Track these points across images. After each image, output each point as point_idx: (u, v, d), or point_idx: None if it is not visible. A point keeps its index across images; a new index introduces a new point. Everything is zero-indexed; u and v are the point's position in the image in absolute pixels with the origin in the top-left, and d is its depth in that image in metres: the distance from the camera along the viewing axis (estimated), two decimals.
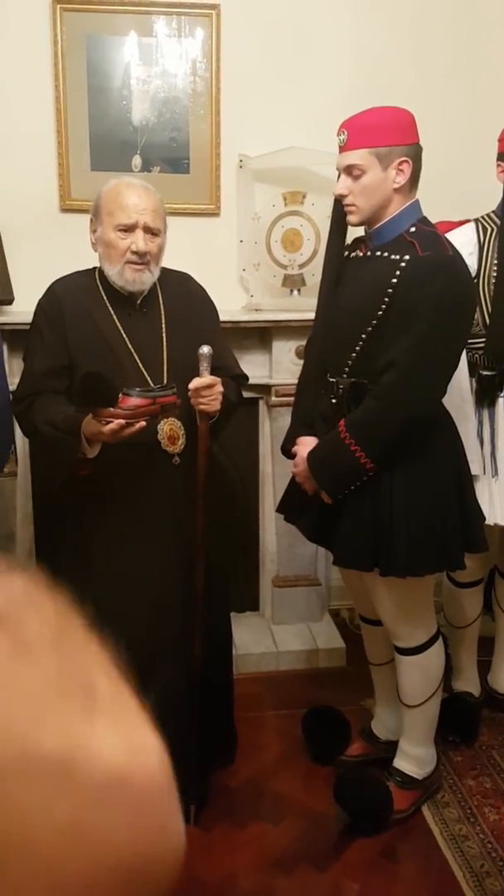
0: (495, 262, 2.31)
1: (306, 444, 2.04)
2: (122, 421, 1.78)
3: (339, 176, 1.94)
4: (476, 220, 2.39)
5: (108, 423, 1.78)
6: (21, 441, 2.72)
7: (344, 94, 2.80)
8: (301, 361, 2.80)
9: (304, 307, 2.81)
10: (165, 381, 1.98)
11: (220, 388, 1.97)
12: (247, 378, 2.25)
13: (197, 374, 1.97)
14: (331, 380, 2.02)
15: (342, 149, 1.91)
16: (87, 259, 2.13)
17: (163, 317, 2.07)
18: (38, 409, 1.96)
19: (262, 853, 2.05)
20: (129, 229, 1.93)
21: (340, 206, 1.97)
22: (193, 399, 1.96)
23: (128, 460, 1.95)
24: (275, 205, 2.91)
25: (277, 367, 2.89)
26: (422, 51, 2.97)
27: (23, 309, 2.62)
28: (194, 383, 1.94)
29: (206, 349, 1.94)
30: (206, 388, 1.95)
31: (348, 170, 1.90)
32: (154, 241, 1.97)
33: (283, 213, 2.91)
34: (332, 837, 2.11)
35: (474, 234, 2.36)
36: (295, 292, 2.96)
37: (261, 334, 2.88)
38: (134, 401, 1.80)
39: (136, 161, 2.88)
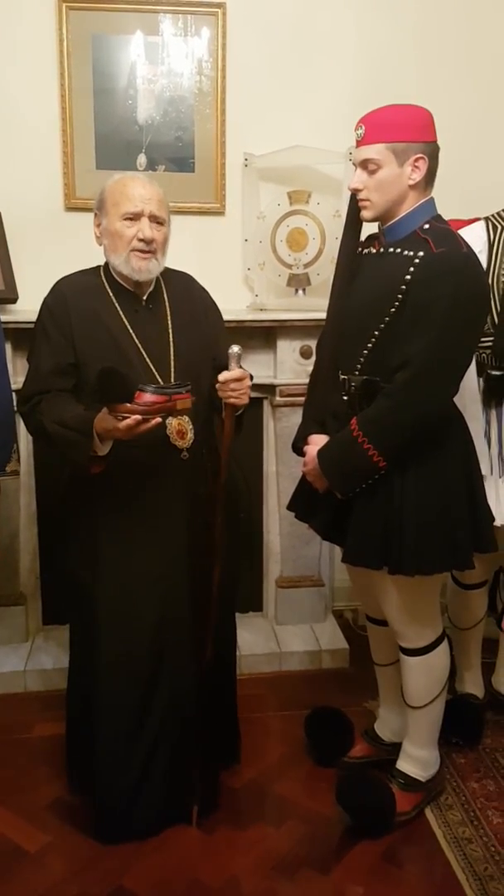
0: None
1: (317, 443, 2.03)
2: (139, 417, 1.77)
3: (355, 170, 1.93)
4: (486, 219, 2.38)
5: (123, 418, 1.78)
6: (24, 440, 2.72)
7: (349, 92, 2.80)
8: (306, 361, 2.80)
9: (309, 307, 2.80)
10: (173, 377, 1.98)
11: (248, 381, 1.98)
12: (251, 378, 2.24)
13: (203, 369, 1.96)
14: (342, 377, 2.01)
15: (359, 143, 1.90)
16: (92, 257, 2.12)
17: (168, 314, 2.07)
18: (45, 408, 1.95)
19: (265, 856, 2.04)
20: (134, 218, 1.95)
21: (355, 202, 1.96)
22: (222, 392, 1.96)
23: (137, 456, 1.95)
24: (280, 204, 2.91)
25: (282, 367, 2.88)
26: (427, 49, 2.96)
27: (27, 307, 2.62)
28: (223, 376, 1.94)
29: (235, 348, 1.95)
30: (236, 381, 1.95)
31: (364, 164, 1.89)
32: (160, 231, 1.98)
33: (289, 213, 2.90)
34: (335, 840, 2.09)
35: (484, 232, 2.35)
36: (300, 292, 2.95)
37: (265, 334, 2.87)
38: (149, 397, 1.79)
39: (142, 160, 2.88)
